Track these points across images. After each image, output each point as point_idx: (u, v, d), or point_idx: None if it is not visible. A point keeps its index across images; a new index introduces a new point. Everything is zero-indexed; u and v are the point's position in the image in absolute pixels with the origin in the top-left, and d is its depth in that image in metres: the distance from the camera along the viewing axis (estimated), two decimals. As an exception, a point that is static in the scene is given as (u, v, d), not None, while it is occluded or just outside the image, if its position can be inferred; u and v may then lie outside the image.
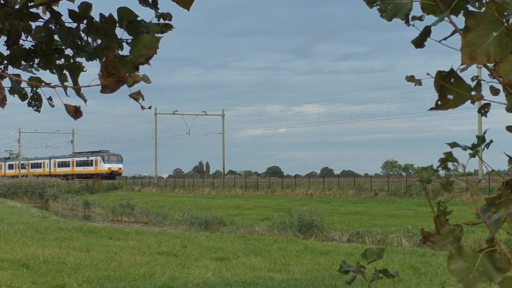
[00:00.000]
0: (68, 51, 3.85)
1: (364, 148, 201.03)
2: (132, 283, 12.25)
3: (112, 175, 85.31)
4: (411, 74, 1.81)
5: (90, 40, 3.76)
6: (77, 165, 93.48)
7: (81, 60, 3.83)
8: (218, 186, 62.88)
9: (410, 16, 1.78)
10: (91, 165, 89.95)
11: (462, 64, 1.67)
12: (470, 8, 1.75)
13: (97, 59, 3.76)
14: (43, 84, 3.59)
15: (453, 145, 1.77)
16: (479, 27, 1.62)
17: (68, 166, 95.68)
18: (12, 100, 4.04)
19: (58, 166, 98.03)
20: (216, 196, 56.48)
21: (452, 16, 1.74)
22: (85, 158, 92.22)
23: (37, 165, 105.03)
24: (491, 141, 1.89)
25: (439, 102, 1.74)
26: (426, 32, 1.78)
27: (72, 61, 3.86)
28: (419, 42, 1.80)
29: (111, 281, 12.37)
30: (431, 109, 1.75)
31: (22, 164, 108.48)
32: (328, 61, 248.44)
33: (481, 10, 1.69)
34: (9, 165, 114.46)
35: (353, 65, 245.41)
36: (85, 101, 3.58)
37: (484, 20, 1.63)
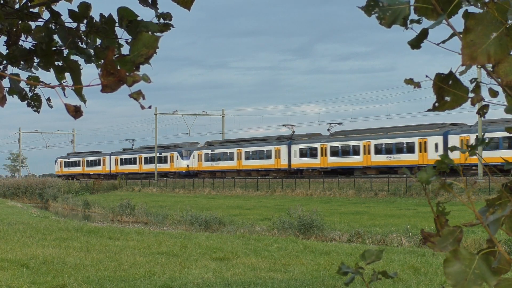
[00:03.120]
0: (65, 51, 3.85)
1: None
2: (132, 283, 12.25)
3: None
4: (410, 76, 1.81)
5: (90, 41, 3.76)
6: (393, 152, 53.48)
7: (76, 58, 3.83)
8: (218, 186, 62.85)
9: (408, 20, 1.79)
10: None
11: (462, 65, 1.67)
12: (470, 9, 1.75)
13: (95, 62, 3.76)
14: (42, 84, 3.59)
15: (453, 148, 1.78)
16: (479, 27, 1.62)
17: (387, 152, 54.50)
18: (12, 100, 4.04)
19: (332, 155, 58.88)
20: (216, 196, 56.46)
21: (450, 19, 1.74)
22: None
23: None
24: (491, 138, 1.92)
25: (436, 104, 1.74)
26: (423, 34, 1.78)
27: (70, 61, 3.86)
28: (415, 44, 1.80)
29: (111, 281, 12.37)
30: (428, 110, 1.76)
31: (226, 154, 67.76)
32: (329, 60, 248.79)
33: (482, 11, 1.69)
34: (207, 155, 71.32)
35: (354, 64, 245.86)
36: (85, 101, 3.58)
37: (484, 21, 1.63)
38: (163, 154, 78.70)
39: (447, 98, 1.73)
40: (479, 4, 1.71)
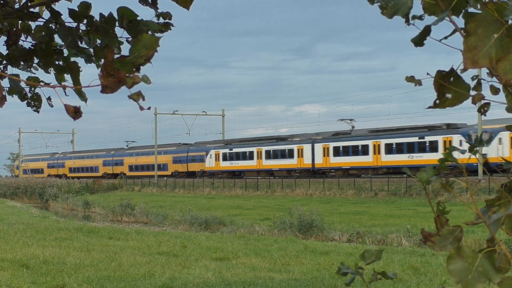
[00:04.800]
0: (65, 51, 3.85)
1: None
2: (132, 283, 12.25)
3: None
4: (411, 74, 1.81)
5: (90, 40, 3.76)
6: None
7: (76, 59, 3.83)
8: (218, 186, 62.83)
9: (410, 15, 1.79)
10: None
11: (465, 69, 1.67)
12: (470, 10, 1.75)
13: (95, 62, 3.76)
14: (42, 84, 3.59)
15: (452, 148, 1.77)
16: (479, 29, 1.62)
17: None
18: (12, 100, 4.04)
19: None
20: (216, 196, 56.45)
21: (453, 16, 1.74)
22: None
23: None
24: (491, 136, 1.93)
25: (437, 101, 1.74)
26: (426, 31, 1.78)
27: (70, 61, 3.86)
28: (418, 41, 1.80)
29: (111, 281, 12.37)
30: (429, 107, 1.75)
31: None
32: (329, 60, 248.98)
33: (481, 11, 1.69)
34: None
35: (355, 64, 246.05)
36: (85, 100, 3.58)
37: (484, 22, 1.62)
38: (427, 138, 50.48)
39: (448, 95, 1.72)
40: (478, 5, 1.71)
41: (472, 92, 1.75)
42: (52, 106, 4.23)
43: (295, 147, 60.83)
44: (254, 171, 64.69)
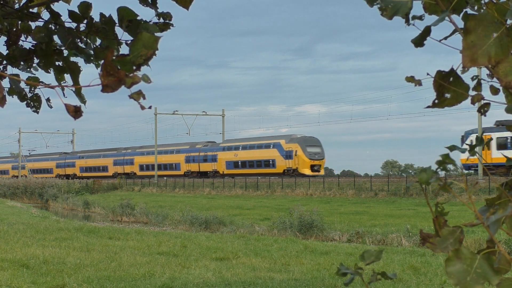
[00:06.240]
0: (65, 51, 3.85)
1: (364, 148, 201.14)
2: (132, 283, 12.25)
3: None
4: (411, 75, 1.81)
5: (89, 41, 3.76)
6: None
7: (76, 59, 3.82)
8: (218, 186, 62.83)
9: (410, 16, 1.79)
10: None
11: (463, 67, 1.66)
12: (469, 11, 1.75)
13: (94, 62, 3.76)
14: (42, 84, 3.58)
15: (452, 148, 1.77)
16: (479, 28, 1.62)
17: None
18: (12, 100, 4.04)
19: None
20: (216, 196, 56.43)
21: (454, 16, 1.74)
22: None
23: None
24: (491, 138, 1.93)
25: (436, 101, 1.74)
26: (426, 32, 1.78)
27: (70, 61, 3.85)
28: (419, 42, 1.80)
29: (111, 281, 12.36)
30: (428, 107, 1.75)
31: None
32: (329, 60, 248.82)
33: (480, 12, 1.69)
34: None
35: (355, 64, 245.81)
36: (84, 102, 3.57)
37: (484, 21, 1.62)
38: None
39: (447, 95, 1.72)
40: (476, 7, 1.71)
41: (472, 92, 1.75)
42: (51, 107, 4.23)
43: None
44: None
